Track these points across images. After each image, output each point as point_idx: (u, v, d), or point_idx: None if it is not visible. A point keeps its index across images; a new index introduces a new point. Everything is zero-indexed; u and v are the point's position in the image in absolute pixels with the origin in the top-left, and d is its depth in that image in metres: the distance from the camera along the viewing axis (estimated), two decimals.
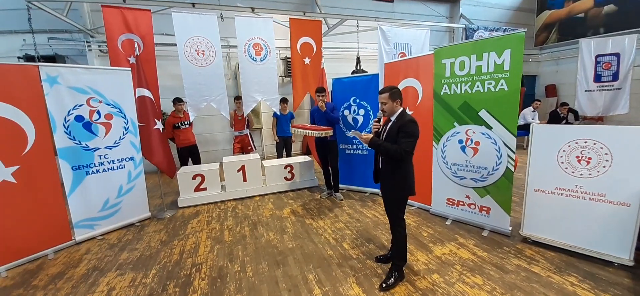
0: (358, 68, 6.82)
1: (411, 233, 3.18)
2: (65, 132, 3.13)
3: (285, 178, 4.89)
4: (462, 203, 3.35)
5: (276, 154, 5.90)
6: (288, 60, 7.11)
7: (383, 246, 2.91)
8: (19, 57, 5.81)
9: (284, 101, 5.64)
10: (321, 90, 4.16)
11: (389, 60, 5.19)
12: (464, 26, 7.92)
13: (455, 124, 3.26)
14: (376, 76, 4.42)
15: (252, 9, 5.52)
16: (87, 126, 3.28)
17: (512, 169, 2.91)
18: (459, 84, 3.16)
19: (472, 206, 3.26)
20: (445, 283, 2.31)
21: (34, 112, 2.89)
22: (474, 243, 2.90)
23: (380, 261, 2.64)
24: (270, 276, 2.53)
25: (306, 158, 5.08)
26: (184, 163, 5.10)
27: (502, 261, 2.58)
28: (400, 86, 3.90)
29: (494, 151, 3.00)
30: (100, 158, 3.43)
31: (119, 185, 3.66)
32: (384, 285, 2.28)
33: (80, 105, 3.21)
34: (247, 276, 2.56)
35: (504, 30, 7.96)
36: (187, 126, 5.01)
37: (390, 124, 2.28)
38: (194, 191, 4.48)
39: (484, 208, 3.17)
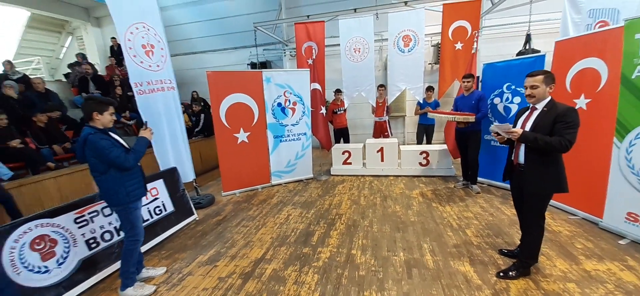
0: (527, 48, 5.74)
1: (559, 241, 2.78)
2: (272, 113, 4.90)
3: (420, 164, 5.14)
4: None
5: (416, 141, 6.13)
6: (439, 46, 6.96)
7: (513, 244, 2.77)
8: (247, 64, 8.99)
9: (429, 88, 5.75)
10: (468, 76, 4.09)
11: (578, 33, 4.24)
12: None
13: None
14: (542, 57, 3.82)
15: (405, 2, 5.88)
16: (283, 109, 4.96)
17: None
18: None
19: None
20: (581, 294, 2.05)
21: (258, 100, 4.74)
22: None
23: (504, 255, 2.60)
24: (390, 236, 3.09)
25: (445, 147, 5.07)
26: (337, 141, 6.35)
27: None
28: (577, 68, 3.25)
29: None
30: (288, 132, 5.09)
31: (296, 151, 5.25)
32: (501, 273, 2.31)
33: (280, 96, 4.90)
34: (373, 231, 3.24)
35: None
36: (342, 111, 6.14)
37: (537, 113, 2.11)
38: (343, 164, 5.60)
39: None
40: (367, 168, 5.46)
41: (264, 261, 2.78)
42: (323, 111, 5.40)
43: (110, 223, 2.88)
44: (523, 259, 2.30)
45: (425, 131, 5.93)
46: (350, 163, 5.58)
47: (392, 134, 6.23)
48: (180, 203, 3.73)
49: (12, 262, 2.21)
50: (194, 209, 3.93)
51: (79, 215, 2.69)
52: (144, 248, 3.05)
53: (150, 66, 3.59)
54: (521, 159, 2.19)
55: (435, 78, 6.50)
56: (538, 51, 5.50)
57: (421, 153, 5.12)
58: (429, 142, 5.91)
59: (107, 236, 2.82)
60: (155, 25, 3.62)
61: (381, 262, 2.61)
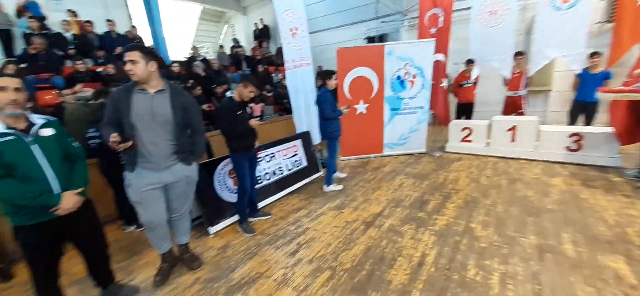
0: None
1: None
2: (390, 86, 5.08)
3: (568, 148, 4.29)
4: None
5: (568, 121, 5.01)
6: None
7: None
8: (364, 39, 9.22)
9: (595, 54, 4.51)
10: None
11: None
12: None
13: None
14: None
15: None
16: (402, 82, 5.07)
17: None
18: None
19: None
20: None
21: (379, 73, 5.00)
22: None
23: None
24: (519, 219, 2.91)
25: (609, 130, 4.03)
26: (458, 116, 5.90)
27: None
28: None
29: None
30: (405, 105, 5.19)
31: (411, 125, 5.32)
32: None
33: (400, 68, 5.00)
34: (497, 210, 3.11)
35: None
36: (471, 84, 5.55)
37: None
38: (461, 141, 5.29)
39: None
40: (492, 147, 4.97)
41: (382, 216, 3.18)
42: (444, 83, 5.16)
43: (269, 167, 3.90)
44: None
45: (583, 110, 4.77)
46: (469, 141, 5.22)
47: (526, 113, 5.34)
48: (311, 161, 4.55)
49: (219, 183, 3.38)
50: (320, 166, 4.70)
51: None
52: (291, 189, 4.00)
53: (295, 46, 4.39)
54: None
55: (604, 41, 5.01)
56: None
57: (571, 136, 4.25)
58: (588, 123, 4.75)
59: (267, 176, 3.85)
60: (300, 9, 4.35)
61: (506, 240, 2.56)
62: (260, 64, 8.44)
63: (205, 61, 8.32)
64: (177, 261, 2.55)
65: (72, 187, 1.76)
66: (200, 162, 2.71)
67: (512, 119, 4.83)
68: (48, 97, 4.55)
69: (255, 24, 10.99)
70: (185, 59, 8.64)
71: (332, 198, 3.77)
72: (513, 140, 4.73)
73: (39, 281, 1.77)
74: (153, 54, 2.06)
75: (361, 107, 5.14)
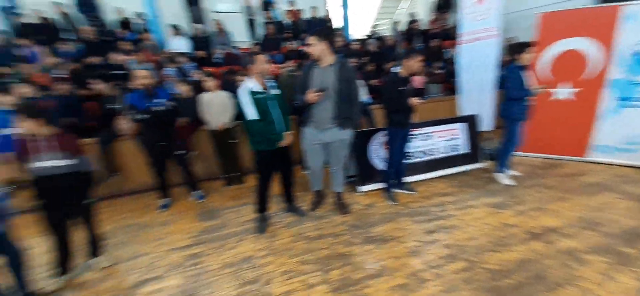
0: None
1: None
2: (624, 64, 3.53)
3: None
4: None
5: None
6: None
7: None
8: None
9: None
10: None
11: None
12: None
13: None
14: None
15: None
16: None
17: None
18: None
19: None
20: None
21: (606, 45, 3.57)
22: None
23: None
24: None
25: None
26: None
27: None
28: None
29: None
30: None
31: None
32: None
33: None
34: None
35: None
36: None
37: None
38: None
39: None
40: None
41: (557, 233, 2.54)
42: None
43: (423, 146, 3.91)
44: None
45: None
46: None
47: None
48: (473, 149, 4.10)
49: (373, 150, 3.78)
50: (481, 157, 4.13)
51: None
52: (442, 172, 3.88)
53: (478, 15, 3.87)
54: None
55: None
56: None
57: None
58: None
59: (418, 154, 3.90)
60: None
61: None
62: (436, 38, 7.95)
63: (379, 38, 8.83)
64: (324, 199, 3.27)
65: (285, 130, 2.65)
66: (361, 130, 3.19)
67: None
68: (273, 69, 6.53)
69: None
70: (363, 38, 9.50)
71: (491, 194, 3.34)
72: None
73: (262, 187, 2.84)
74: (324, 35, 2.51)
75: (563, 91, 3.92)
